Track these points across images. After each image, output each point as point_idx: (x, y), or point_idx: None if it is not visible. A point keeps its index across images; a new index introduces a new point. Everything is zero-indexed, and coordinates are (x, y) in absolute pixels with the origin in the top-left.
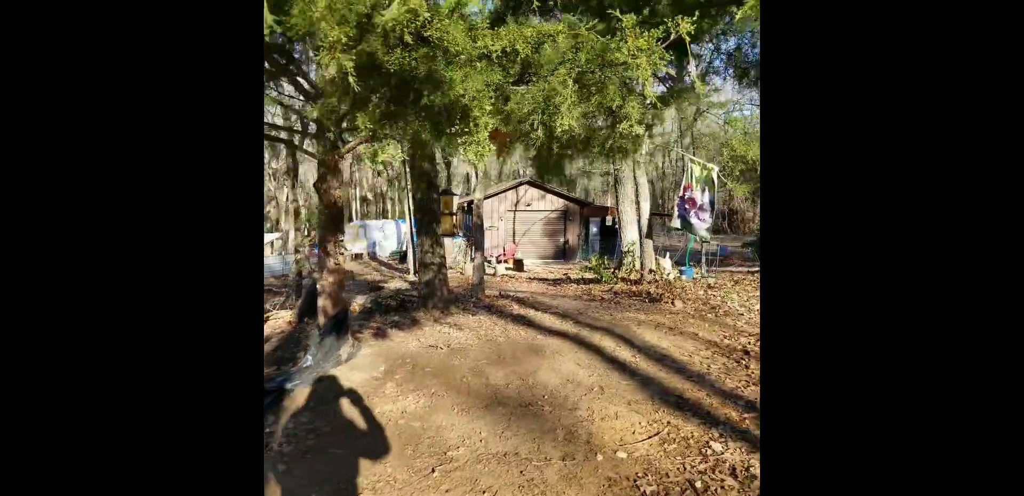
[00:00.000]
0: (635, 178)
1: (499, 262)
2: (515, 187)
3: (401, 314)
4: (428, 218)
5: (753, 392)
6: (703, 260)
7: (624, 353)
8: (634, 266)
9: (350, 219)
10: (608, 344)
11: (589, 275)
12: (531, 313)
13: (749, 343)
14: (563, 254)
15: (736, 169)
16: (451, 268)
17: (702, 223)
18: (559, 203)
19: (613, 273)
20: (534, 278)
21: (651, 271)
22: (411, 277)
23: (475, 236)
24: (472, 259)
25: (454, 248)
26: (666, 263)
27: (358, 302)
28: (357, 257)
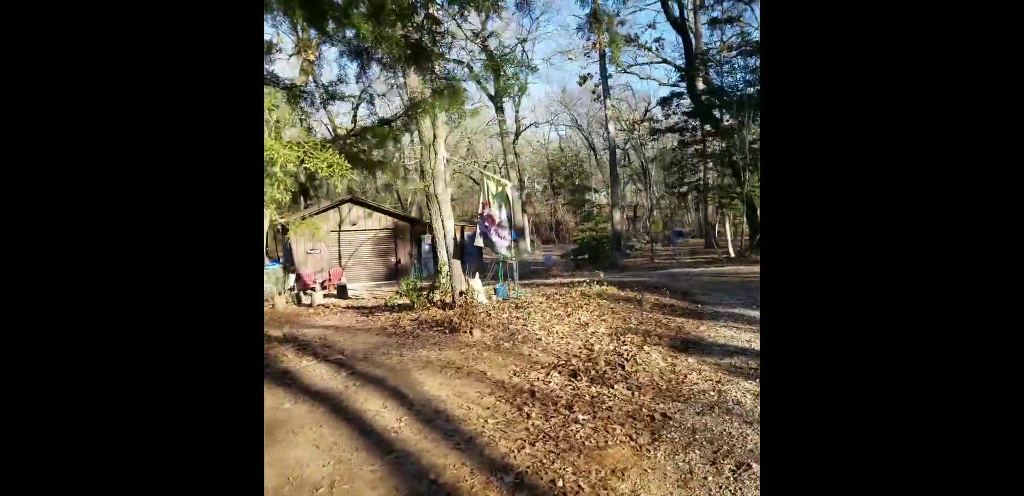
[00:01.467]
0: (436, 194)
1: (323, 288)
2: (337, 205)
3: None
4: None
5: (528, 454)
6: (515, 275)
7: (388, 417)
8: (448, 288)
9: None
10: (372, 406)
11: (405, 300)
12: (301, 365)
13: (539, 379)
14: (395, 275)
15: (558, 183)
16: (266, 301)
17: (502, 241)
18: (388, 221)
19: (427, 297)
20: (351, 306)
21: (462, 293)
22: None
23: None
24: (290, 289)
25: (268, 277)
26: (476, 284)
27: None
28: None
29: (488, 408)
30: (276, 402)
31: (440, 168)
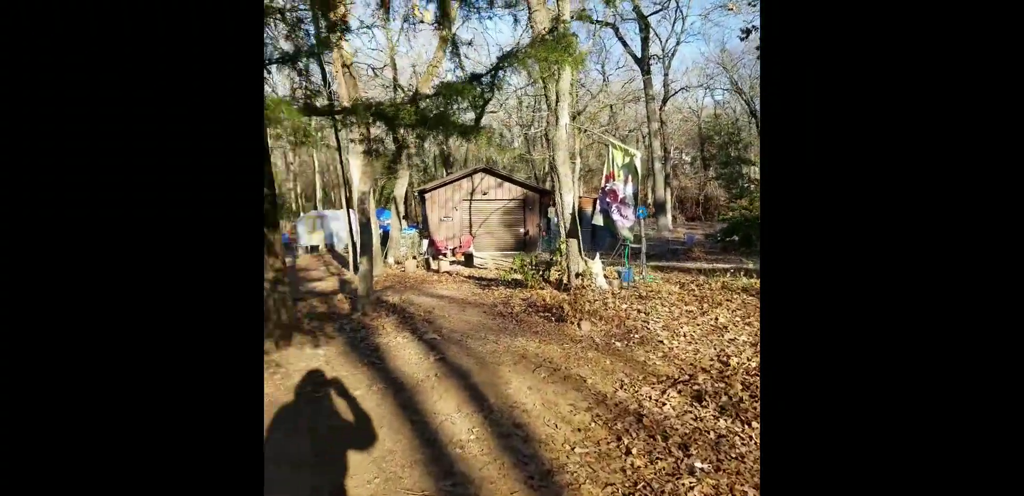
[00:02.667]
0: (556, 164)
1: (453, 254)
2: (470, 175)
3: None
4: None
5: None
6: (642, 258)
7: (459, 426)
8: (564, 268)
9: (314, 208)
10: (446, 407)
11: (519, 276)
12: (396, 342)
13: (651, 397)
14: (523, 245)
15: (710, 154)
16: (399, 264)
17: (624, 220)
18: (518, 192)
19: (542, 274)
20: (472, 276)
21: (578, 274)
22: (349, 274)
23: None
24: (426, 252)
25: (403, 241)
26: (595, 266)
27: None
28: (313, 249)
29: (579, 430)
30: (351, 384)
31: (561, 135)
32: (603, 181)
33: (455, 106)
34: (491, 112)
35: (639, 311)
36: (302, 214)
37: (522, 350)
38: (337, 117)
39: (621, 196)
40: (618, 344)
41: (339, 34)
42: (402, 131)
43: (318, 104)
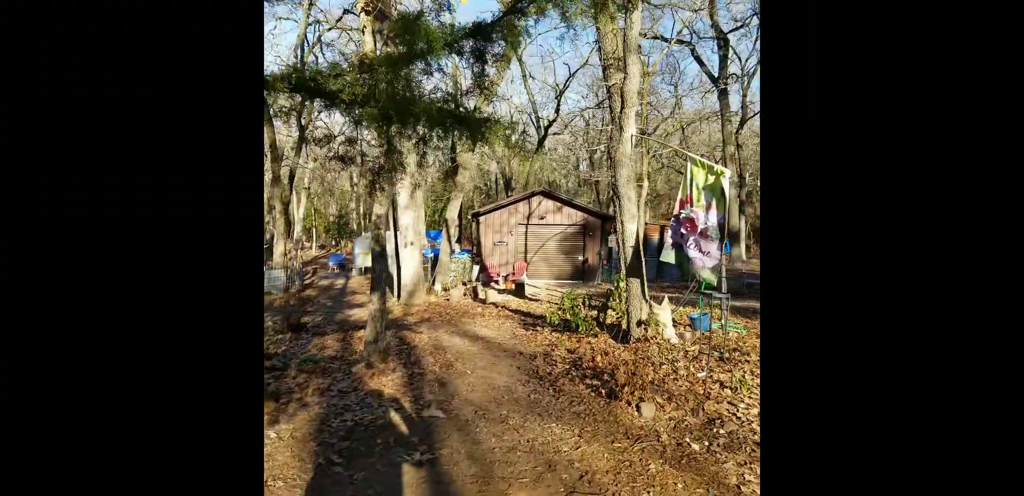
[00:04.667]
0: (617, 185)
1: (506, 280)
2: (527, 198)
3: None
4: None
5: None
6: (725, 304)
7: None
8: (623, 310)
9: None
10: None
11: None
12: (383, 422)
13: None
14: (581, 275)
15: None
16: (446, 290)
17: (706, 259)
18: (578, 216)
19: (596, 317)
20: (518, 311)
21: (640, 323)
22: (396, 299)
23: (477, 254)
24: (477, 278)
25: (455, 266)
26: (663, 314)
27: None
28: (367, 271)
29: None
30: None
31: (625, 150)
32: (676, 207)
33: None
34: (555, 134)
35: (723, 385)
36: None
37: (551, 452)
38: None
39: (702, 226)
40: (695, 446)
41: None
42: (365, 122)
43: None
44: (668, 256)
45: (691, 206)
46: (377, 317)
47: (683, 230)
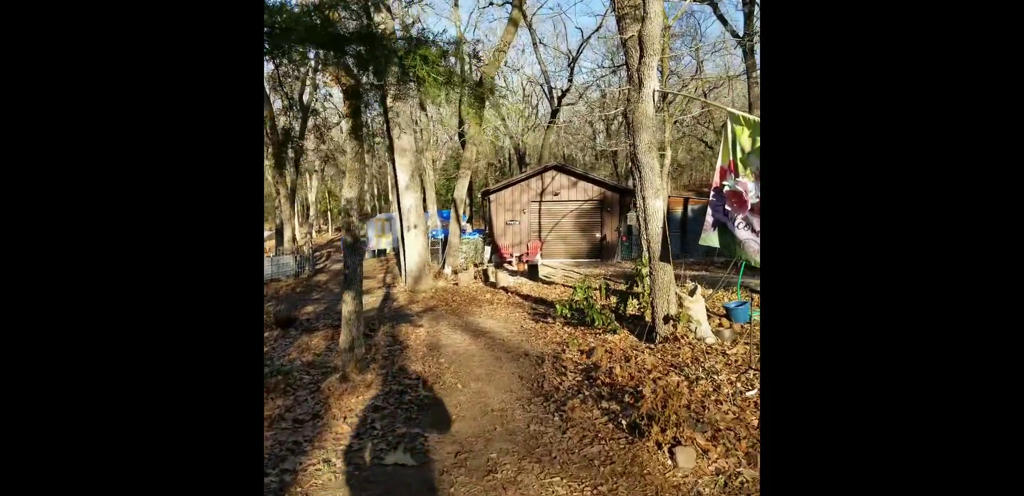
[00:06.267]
0: (637, 153)
1: (520, 261)
2: (540, 173)
3: None
4: None
5: None
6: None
7: None
8: (647, 301)
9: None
10: None
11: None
12: (330, 475)
13: None
14: (599, 253)
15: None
16: (455, 274)
17: (756, 238)
18: (595, 191)
19: (615, 310)
20: (529, 297)
21: (668, 318)
22: (403, 284)
23: (488, 234)
24: (489, 260)
25: (466, 247)
26: (696, 309)
27: None
28: (380, 253)
29: None
30: None
31: (646, 109)
32: (716, 177)
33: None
34: (569, 104)
35: None
36: (372, 217)
37: None
38: None
39: (753, 201)
40: None
41: None
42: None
43: None
44: (710, 239)
45: (735, 176)
46: (352, 320)
47: (727, 206)
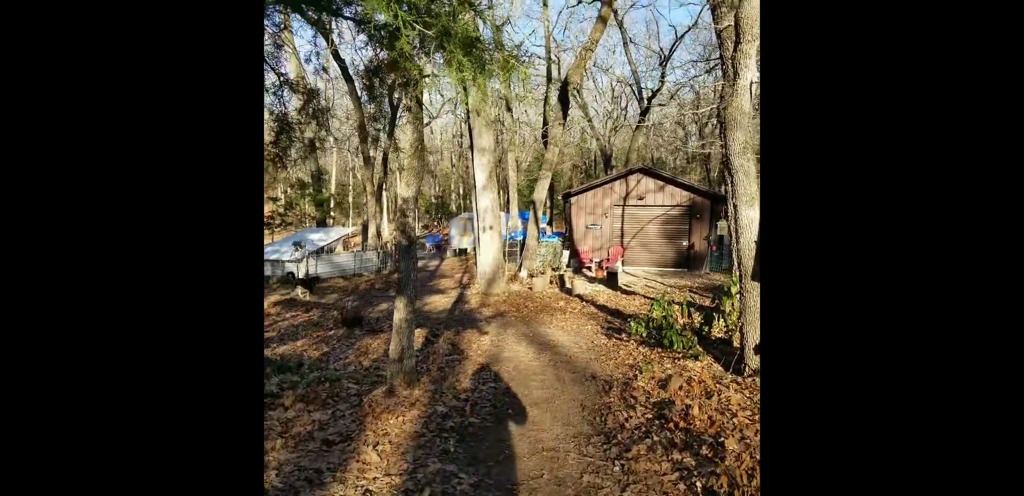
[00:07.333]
0: (730, 154)
1: (600, 268)
2: (624, 176)
3: None
4: None
5: None
6: None
7: None
8: (735, 323)
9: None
10: None
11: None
12: None
13: None
14: (685, 262)
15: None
16: (531, 277)
17: None
18: (683, 196)
19: (698, 331)
20: (605, 308)
21: (760, 348)
22: (477, 287)
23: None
24: (567, 264)
25: (545, 250)
26: None
27: None
28: (462, 252)
29: None
30: None
31: (742, 105)
32: None
33: None
34: (660, 105)
35: None
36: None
37: None
38: None
39: None
40: None
41: None
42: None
43: None
44: None
45: None
46: (403, 329)
47: None
